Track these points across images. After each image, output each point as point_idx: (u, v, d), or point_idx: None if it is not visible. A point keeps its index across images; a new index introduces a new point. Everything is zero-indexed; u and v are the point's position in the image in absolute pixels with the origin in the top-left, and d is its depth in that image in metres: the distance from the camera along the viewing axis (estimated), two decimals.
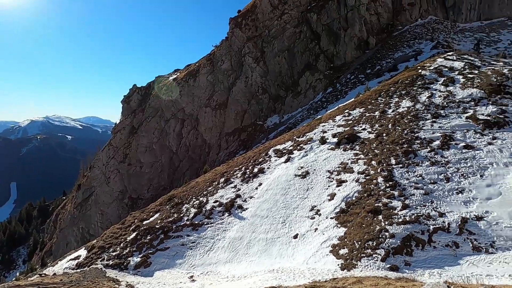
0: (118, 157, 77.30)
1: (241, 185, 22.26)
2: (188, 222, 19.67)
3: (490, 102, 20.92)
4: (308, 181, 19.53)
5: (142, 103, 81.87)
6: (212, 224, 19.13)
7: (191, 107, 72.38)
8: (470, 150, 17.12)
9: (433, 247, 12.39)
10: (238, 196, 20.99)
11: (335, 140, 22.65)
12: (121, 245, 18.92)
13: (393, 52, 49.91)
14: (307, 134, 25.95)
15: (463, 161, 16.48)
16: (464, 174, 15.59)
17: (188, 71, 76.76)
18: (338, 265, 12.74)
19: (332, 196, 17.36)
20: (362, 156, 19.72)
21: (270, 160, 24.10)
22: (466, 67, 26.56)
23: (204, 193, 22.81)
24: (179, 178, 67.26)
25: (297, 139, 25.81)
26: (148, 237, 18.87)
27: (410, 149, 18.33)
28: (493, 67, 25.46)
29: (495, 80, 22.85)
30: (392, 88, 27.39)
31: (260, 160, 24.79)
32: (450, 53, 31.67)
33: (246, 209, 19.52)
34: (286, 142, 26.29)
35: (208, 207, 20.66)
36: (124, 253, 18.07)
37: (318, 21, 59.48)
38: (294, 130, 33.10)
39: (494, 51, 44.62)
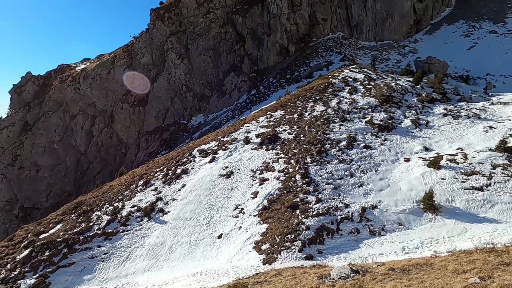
0: (6, 159, 63.46)
1: (163, 187, 21.05)
2: (99, 232, 17.50)
3: (383, 110, 25.11)
4: (233, 180, 19.79)
5: (39, 95, 69.17)
6: (129, 232, 17.50)
7: (104, 102, 64.82)
8: (368, 150, 20.18)
9: (340, 234, 14.11)
10: (159, 199, 19.75)
11: (258, 140, 23.58)
12: (8, 266, 15.54)
13: (309, 61, 54.97)
14: (232, 134, 26.28)
15: (363, 159, 19.30)
16: (364, 170, 18.27)
17: (101, 62, 68.47)
18: (260, 260, 13.27)
19: (255, 194, 18.00)
20: (282, 155, 21.06)
21: (195, 160, 23.50)
22: (366, 79, 31.22)
23: (120, 197, 20.69)
24: (89, 182, 59.44)
25: (222, 139, 25.87)
26: (47, 253, 16.02)
27: (323, 149, 20.48)
28: (384, 81, 30.62)
29: (386, 91, 27.54)
30: (308, 94, 30.11)
31: (183, 160, 23.91)
32: (354, 66, 36.70)
33: (168, 212, 18.55)
34: (211, 142, 26.07)
35: (124, 213, 18.82)
36: (12, 275, 14.89)
37: (243, 24, 60.99)
38: (219, 130, 33.10)
39: (385, 67, 53.76)
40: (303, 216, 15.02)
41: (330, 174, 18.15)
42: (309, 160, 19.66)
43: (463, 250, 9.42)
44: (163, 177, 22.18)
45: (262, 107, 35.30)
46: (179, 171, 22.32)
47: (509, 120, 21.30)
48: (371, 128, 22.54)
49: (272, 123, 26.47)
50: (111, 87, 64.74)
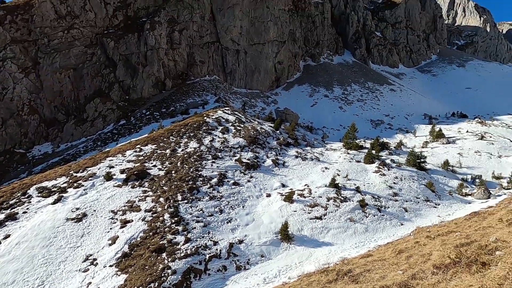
0: None
1: None
2: None
3: (250, 150, 27.91)
4: (85, 225, 16.44)
5: None
6: None
7: None
8: (237, 186, 21.55)
9: (208, 274, 13.80)
10: None
11: (123, 176, 21.08)
12: None
13: (186, 98, 55.92)
14: (90, 168, 22.44)
15: (232, 195, 20.34)
16: (233, 206, 19.19)
17: None
18: None
19: (114, 239, 15.48)
20: (150, 193, 19.47)
21: (30, 202, 18.30)
22: (237, 121, 34.35)
23: None
24: None
25: (75, 174, 21.58)
26: None
27: (194, 186, 20.33)
28: (252, 124, 34.60)
29: (253, 133, 31.03)
30: (183, 129, 30.06)
31: (12, 202, 18.19)
32: (227, 108, 39.90)
33: None
34: (59, 178, 21.24)
35: None
36: None
37: (116, 49, 56.63)
38: (73, 163, 27.62)
39: (253, 112, 61.25)
40: (169, 260, 13.92)
41: (201, 211, 18.03)
42: (179, 197, 18.97)
43: (307, 273, 11.02)
44: None
45: (132, 140, 32.37)
46: (1, 217, 16.68)
47: (337, 162, 27.99)
48: (240, 166, 24.40)
49: (142, 157, 24.48)
50: None
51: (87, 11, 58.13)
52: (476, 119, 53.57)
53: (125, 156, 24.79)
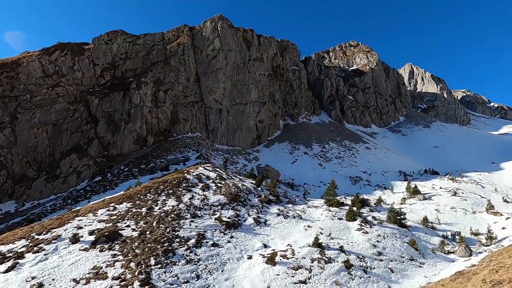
0: None
1: None
2: None
3: (231, 207, 27.10)
4: None
5: None
6: None
7: None
8: (216, 248, 20.25)
9: None
10: None
11: (92, 238, 19.38)
12: None
13: (167, 154, 55.60)
14: (55, 230, 20.58)
15: (210, 258, 18.96)
16: (211, 270, 17.72)
17: None
18: None
19: None
20: (121, 257, 17.78)
21: None
22: (218, 177, 34.00)
23: None
24: None
25: (37, 236, 19.62)
26: None
27: (170, 248, 18.90)
28: (233, 181, 34.29)
29: (234, 190, 30.53)
30: (161, 186, 29.16)
31: None
32: (208, 165, 39.78)
33: None
34: (17, 241, 19.14)
35: None
36: None
37: (99, 106, 57.47)
38: (37, 223, 25.29)
39: (234, 168, 61.26)
40: None
41: (176, 277, 16.44)
42: (153, 261, 17.40)
43: None
44: None
45: (106, 198, 30.71)
46: None
47: (319, 220, 27.50)
48: (219, 225, 23.32)
49: (115, 217, 22.96)
50: None
51: (75, 71, 60.32)
52: (447, 176, 56.32)
53: (97, 216, 23.17)
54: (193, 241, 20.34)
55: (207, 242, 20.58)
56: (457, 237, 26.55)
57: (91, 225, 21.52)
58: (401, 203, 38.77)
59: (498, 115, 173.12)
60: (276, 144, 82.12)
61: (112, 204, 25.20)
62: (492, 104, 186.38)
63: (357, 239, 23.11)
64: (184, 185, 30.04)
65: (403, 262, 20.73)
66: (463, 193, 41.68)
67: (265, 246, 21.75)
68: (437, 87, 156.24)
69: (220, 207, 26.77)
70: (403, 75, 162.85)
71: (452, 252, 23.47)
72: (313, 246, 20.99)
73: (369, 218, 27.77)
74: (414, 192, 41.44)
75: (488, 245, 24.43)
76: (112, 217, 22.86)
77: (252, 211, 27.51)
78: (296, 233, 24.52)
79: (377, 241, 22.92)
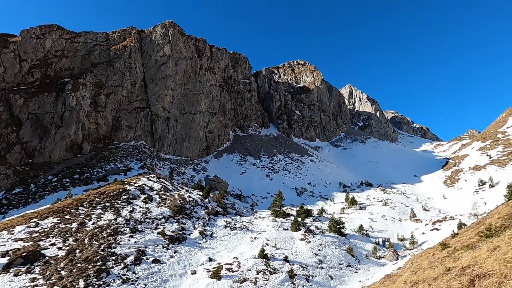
0: None
1: None
2: None
3: (175, 220, 25.83)
4: None
5: None
6: None
7: None
8: (157, 264, 18.96)
9: None
10: None
11: (5, 260, 16.52)
12: None
13: (106, 163, 51.02)
14: None
15: (150, 276, 17.64)
16: None
17: None
18: None
19: None
20: (42, 281, 15.44)
21: None
22: (162, 189, 32.27)
23: None
24: None
25: None
26: None
27: (103, 267, 17.09)
28: (179, 192, 32.89)
29: (179, 202, 29.26)
30: (97, 199, 26.51)
31: None
32: (152, 175, 37.57)
33: None
34: None
35: None
36: None
37: (24, 107, 50.54)
38: None
39: (181, 179, 58.92)
40: None
41: None
42: (82, 284, 15.49)
43: None
44: None
45: (27, 212, 26.71)
46: None
47: (265, 231, 27.85)
48: (162, 240, 21.99)
49: (37, 234, 20.02)
50: None
51: None
52: (379, 187, 62.49)
53: (13, 234, 19.91)
54: (131, 258, 18.75)
55: (147, 259, 19.16)
56: (387, 243, 29.35)
57: (5, 244, 18.38)
58: (341, 213, 41.60)
59: (419, 134, 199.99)
60: (225, 155, 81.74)
61: (34, 220, 21.97)
62: (414, 124, 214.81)
63: (301, 249, 23.94)
64: (124, 197, 27.79)
65: (342, 268, 22.05)
66: (392, 202, 46.56)
67: (211, 259, 21.12)
68: (371, 107, 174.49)
69: (164, 220, 25.33)
70: (344, 95, 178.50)
71: (383, 257, 25.81)
72: (259, 257, 21.07)
73: (312, 228, 29.10)
74: (352, 202, 44.91)
75: (411, 249, 27.50)
76: (33, 235, 19.88)
77: (198, 223, 26.63)
78: (242, 245, 24.38)
79: (319, 250, 24.05)
